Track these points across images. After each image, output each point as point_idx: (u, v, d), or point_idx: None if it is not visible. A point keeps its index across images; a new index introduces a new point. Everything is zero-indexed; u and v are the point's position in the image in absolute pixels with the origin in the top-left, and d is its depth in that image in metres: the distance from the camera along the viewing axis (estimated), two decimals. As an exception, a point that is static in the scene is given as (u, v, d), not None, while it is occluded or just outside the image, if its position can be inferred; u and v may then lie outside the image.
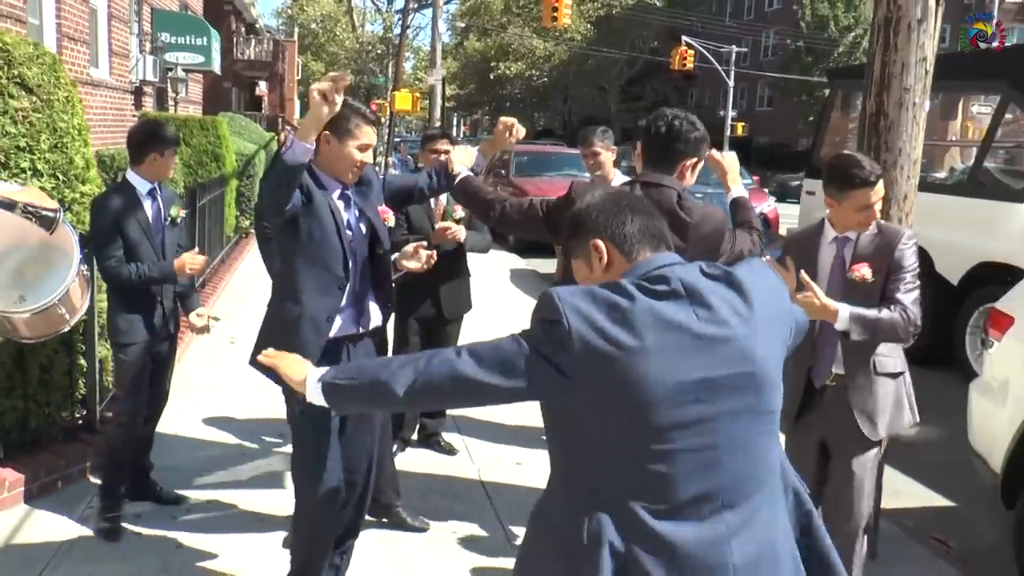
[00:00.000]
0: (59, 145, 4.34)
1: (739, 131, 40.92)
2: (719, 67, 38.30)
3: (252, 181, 12.38)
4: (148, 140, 3.87)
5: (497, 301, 8.98)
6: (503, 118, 3.44)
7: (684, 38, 36.27)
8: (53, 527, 3.89)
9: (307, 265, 3.00)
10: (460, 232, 4.50)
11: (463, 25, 55.38)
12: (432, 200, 4.72)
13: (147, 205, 3.87)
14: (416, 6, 38.62)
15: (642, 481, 1.63)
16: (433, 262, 3.53)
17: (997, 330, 4.14)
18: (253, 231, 12.51)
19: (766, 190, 18.97)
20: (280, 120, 34.29)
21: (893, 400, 3.12)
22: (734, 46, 40.48)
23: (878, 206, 3.06)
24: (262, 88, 38.39)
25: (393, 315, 4.43)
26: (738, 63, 41.20)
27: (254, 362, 3.17)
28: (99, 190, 4.53)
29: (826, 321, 3.01)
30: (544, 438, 1.92)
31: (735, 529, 1.65)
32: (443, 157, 3.97)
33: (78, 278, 3.33)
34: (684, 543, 1.61)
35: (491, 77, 52.86)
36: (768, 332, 1.74)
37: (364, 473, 3.32)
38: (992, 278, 6.79)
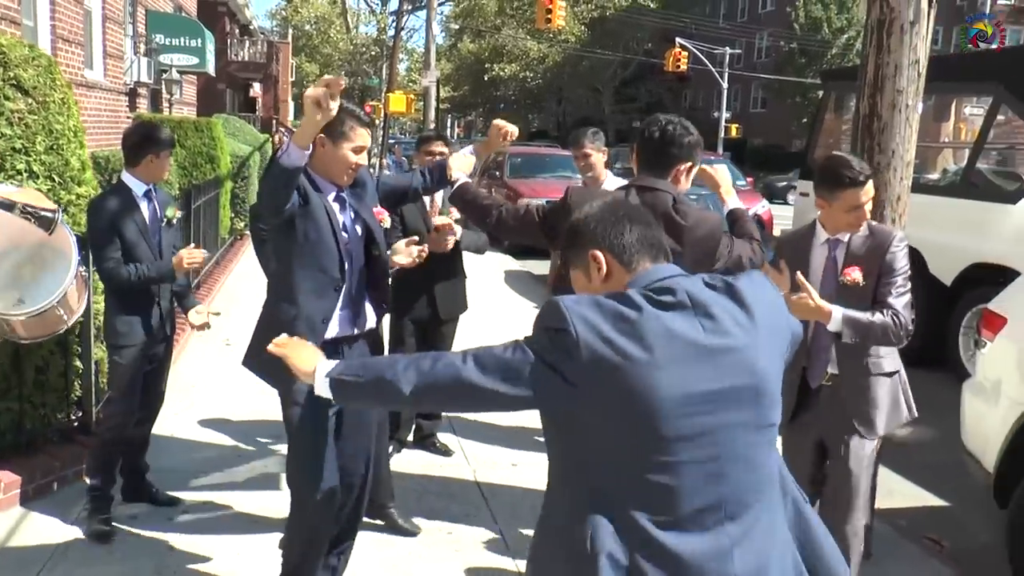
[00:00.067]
0: (55, 147, 4.34)
1: (733, 132, 41.01)
2: (713, 69, 38.36)
3: (247, 183, 12.37)
4: (144, 142, 3.88)
5: (492, 302, 8.99)
6: (497, 121, 3.45)
7: (678, 40, 36.31)
8: (49, 529, 3.89)
9: (303, 267, 3.01)
10: (456, 230, 4.52)
11: (457, 27, 55.41)
12: (427, 201, 4.74)
13: (143, 206, 3.88)
14: (410, 8, 38.60)
15: (645, 491, 1.63)
16: (424, 256, 3.54)
17: (990, 331, 4.16)
18: (248, 233, 12.51)
19: (758, 192, 19.00)
20: (274, 122, 34.21)
21: (889, 399, 3.14)
22: (728, 48, 40.54)
23: (868, 207, 3.08)
24: (256, 90, 38.37)
25: (389, 316, 4.44)
26: (732, 65, 41.26)
27: (247, 363, 3.18)
28: (95, 192, 4.53)
29: (820, 322, 3.03)
30: (540, 439, 1.92)
31: (737, 540, 1.65)
32: (438, 159, 3.99)
33: (76, 280, 3.33)
34: (688, 554, 1.61)
35: (485, 79, 52.86)
36: (769, 345, 1.75)
37: (361, 474, 3.33)
38: (985, 279, 6.82)
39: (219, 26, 30.38)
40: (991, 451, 3.94)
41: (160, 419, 4.36)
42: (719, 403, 1.65)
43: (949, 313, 7.32)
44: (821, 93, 11.44)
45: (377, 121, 35.12)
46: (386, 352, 3.72)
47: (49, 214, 3.02)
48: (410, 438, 5.07)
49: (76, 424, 4.56)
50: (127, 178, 3.88)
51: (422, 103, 29.91)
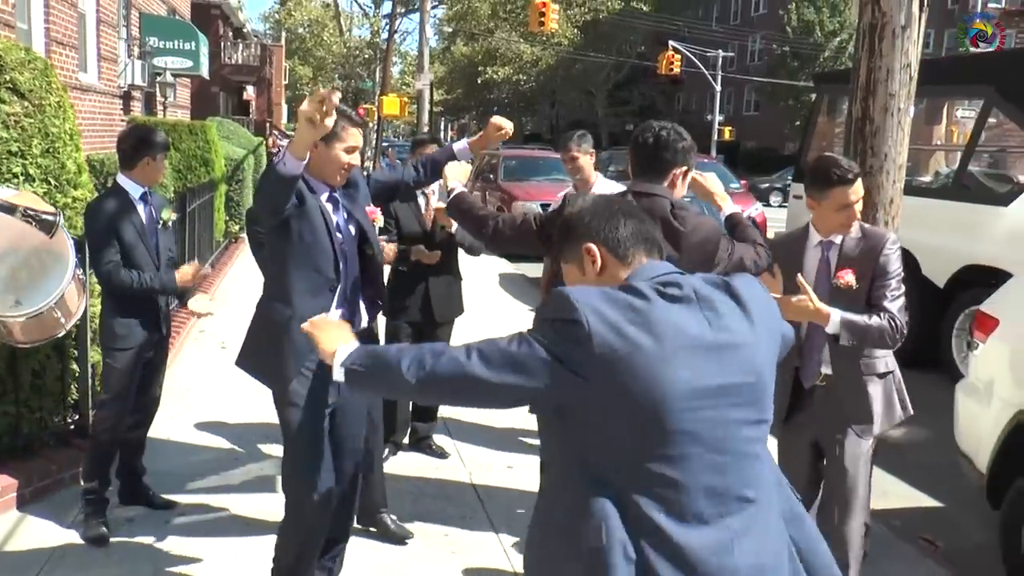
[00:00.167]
0: (51, 150, 4.35)
1: (726, 135, 41.09)
2: (706, 71, 38.47)
3: (241, 186, 12.38)
4: (140, 145, 3.88)
5: (487, 305, 9.00)
6: (495, 118, 3.45)
7: (671, 43, 36.44)
8: (46, 533, 3.89)
9: (298, 267, 3.01)
10: (453, 224, 4.54)
11: (450, 30, 55.41)
12: (422, 203, 4.76)
13: (140, 209, 3.89)
14: (403, 11, 38.67)
15: (651, 484, 1.63)
16: (391, 255, 3.51)
17: (982, 332, 4.19)
18: (243, 236, 12.51)
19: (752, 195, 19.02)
20: (268, 125, 34.21)
21: (883, 399, 3.16)
22: (721, 51, 40.68)
23: (858, 207, 3.11)
24: (250, 92, 38.33)
25: (385, 318, 4.46)
26: (725, 67, 41.37)
27: (241, 363, 3.19)
28: (91, 195, 4.54)
29: (813, 323, 3.05)
30: (536, 442, 1.92)
31: (737, 533, 1.66)
32: (430, 153, 3.98)
33: (73, 282, 3.33)
34: (694, 546, 1.62)
35: (479, 82, 52.90)
36: (766, 343, 1.78)
37: (353, 475, 3.34)
38: (977, 281, 6.85)
39: (212, 29, 30.37)
40: (984, 452, 3.97)
41: (156, 422, 4.36)
42: (723, 398, 1.66)
43: (942, 315, 7.35)
44: (814, 96, 11.48)
45: (371, 124, 35.14)
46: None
47: (50, 217, 3.03)
48: (406, 440, 5.08)
49: (73, 427, 4.57)
50: (123, 181, 3.89)
51: (416, 106, 29.97)
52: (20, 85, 4.24)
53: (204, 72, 18.09)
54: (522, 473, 4.74)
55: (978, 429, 4.08)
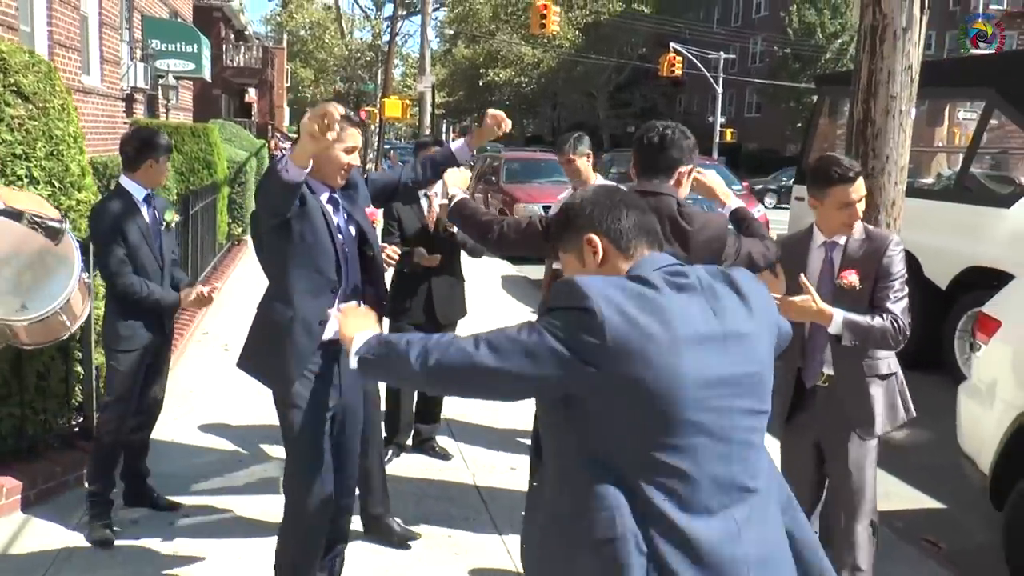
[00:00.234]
0: (55, 153, 4.37)
1: (728, 137, 41.09)
2: (707, 73, 38.47)
3: (244, 188, 12.39)
4: (144, 147, 3.90)
5: (490, 307, 9.01)
6: (491, 111, 3.39)
7: (672, 45, 36.41)
8: (50, 534, 3.90)
9: (299, 268, 3.01)
10: (435, 260, 4.57)
11: (452, 32, 55.42)
12: (424, 206, 4.77)
13: (144, 211, 3.90)
14: (405, 13, 38.67)
15: (659, 474, 1.62)
16: (394, 257, 3.49)
17: (984, 333, 4.20)
18: (245, 238, 12.53)
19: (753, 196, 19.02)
20: (270, 127, 34.25)
21: (886, 400, 3.16)
22: (722, 53, 40.65)
23: (861, 206, 3.12)
24: (251, 95, 38.42)
25: (387, 320, 4.46)
26: (726, 69, 41.35)
27: (243, 364, 3.19)
28: (95, 198, 4.55)
29: (816, 323, 3.06)
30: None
31: (742, 523, 1.66)
32: (430, 153, 3.98)
33: (79, 285, 3.34)
34: (703, 536, 1.61)
35: (480, 84, 52.93)
36: (767, 335, 1.79)
37: (352, 478, 3.35)
38: (979, 282, 6.86)
39: (214, 31, 30.43)
40: (987, 453, 3.97)
41: (159, 424, 4.37)
42: (728, 388, 1.66)
43: (944, 317, 7.36)
44: (815, 98, 11.49)
45: (373, 126, 35.16)
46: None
47: (56, 224, 3.04)
48: (409, 442, 5.09)
49: (77, 429, 4.58)
50: (126, 183, 3.90)
51: (417, 108, 29.98)
52: (24, 88, 4.26)
53: (206, 74, 18.11)
54: (525, 474, 4.73)
55: (981, 430, 4.08)
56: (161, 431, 4.60)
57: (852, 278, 3.08)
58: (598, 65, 47.36)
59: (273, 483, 4.52)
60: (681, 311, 1.65)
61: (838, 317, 2.96)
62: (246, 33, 40.35)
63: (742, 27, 49.73)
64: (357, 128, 3.05)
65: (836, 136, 9.32)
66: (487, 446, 5.25)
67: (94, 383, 4.54)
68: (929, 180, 8.82)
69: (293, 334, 3.01)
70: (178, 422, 5.32)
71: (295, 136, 2.99)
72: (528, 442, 5.19)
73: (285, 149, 2.92)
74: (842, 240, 3.16)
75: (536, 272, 11.78)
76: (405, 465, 4.88)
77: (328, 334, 3.06)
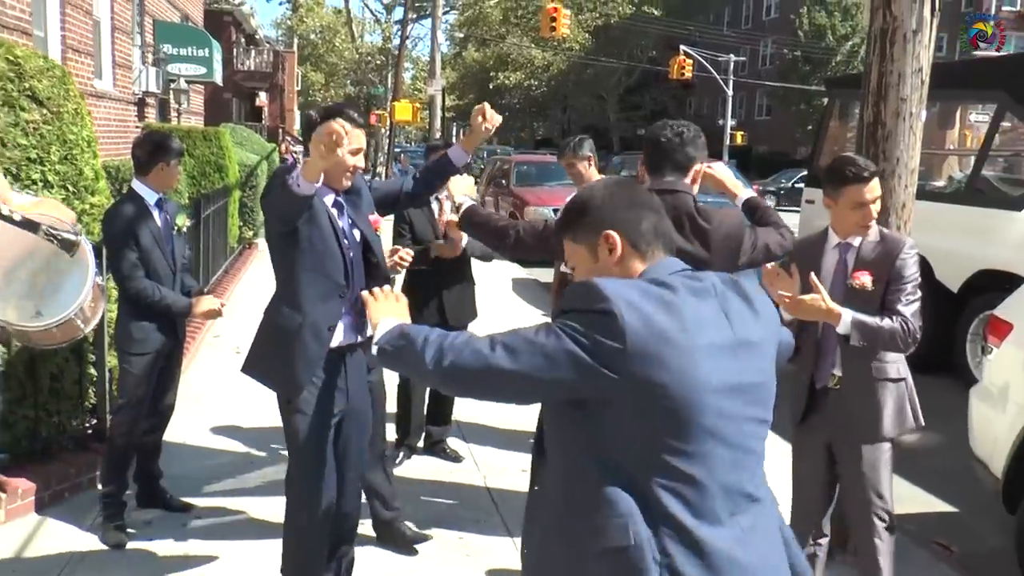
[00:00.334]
0: (69, 157, 4.40)
1: (738, 140, 41.02)
2: (717, 76, 38.41)
3: (255, 192, 12.44)
4: (155, 150, 3.93)
5: (500, 310, 9.03)
6: (477, 107, 3.30)
7: (682, 47, 36.39)
8: (64, 535, 3.93)
9: (307, 273, 3.00)
10: (463, 238, 4.56)
11: (462, 35, 55.47)
12: (435, 208, 4.79)
13: (156, 215, 3.93)
14: (415, 17, 38.75)
15: (673, 481, 1.60)
16: (406, 261, 3.48)
17: (996, 337, 4.19)
18: (256, 241, 12.59)
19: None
20: (281, 130, 34.37)
21: (893, 405, 3.15)
22: (732, 55, 40.58)
23: (876, 207, 3.11)
24: (262, 99, 38.55)
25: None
26: (736, 72, 41.31)
27: (248, 371, 3.19)
28: (108, 201, 4.58)
29: (829, 323, 3.06)
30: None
31: (747, 531, 1.65)
32: (434, 158, 3.97)
33: (93, 288, 3.37)
34: (716, 545, 1.59)
35: (490, 87, 52.92)
36: (772, 344, 1.78)
37: (357, 480, 3.35)
38: (991, 285, 6.83)
39: (225, 35, 30.57)
40: (999, 456, 3.96)
41: (172, 426, 4.40)
42: (740, 395, 1.65)
43: (956, 319, 7.33)
44: (826, 100, 11.47)
45: (383, 130, 35.23)
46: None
47: (71, 236, 3.06)
48: (420, 444, 5.11)
49: (90, 431, 4.61)
50: (138, 187, 3.93)
51: (427, 112, 30.04)
52: (39, 93, 4.29)
53: (217, 78, 18.20)
54: (535, 477, 4.75)
55: (993, 433, 4.07)
56: (174, 433, 4.63)
57: (864, 279, 3.08)
58: (608, 68, 47.35)
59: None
60: (699, 316, 1.63)
61: (847, 317, 2.96)
62: (257, 37, 40.52)
63: (752, 29, 49.65)
64: (361, 129, 3.05)
65: (846, 139, 9.30)
66: (498, 448, 5.26)
67: (107, 385, 4.57)
68: (941, 183, 8.80)
69: (302, 339, 3.00)
70: (190, 424, 5.35)
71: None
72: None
73: (296, 153, 2.93)
74: (856, 242, 3.16)
75: (546, 275, 11.79)
76: (416, 467, 4.89)
77: (336, 340, 3.07)
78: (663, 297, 1.63)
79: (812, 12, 42.22)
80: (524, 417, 5.45)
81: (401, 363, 1.89)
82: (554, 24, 23.11)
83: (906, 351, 3.09)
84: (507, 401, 1.81)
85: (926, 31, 3.91)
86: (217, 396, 6.01)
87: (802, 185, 12.84)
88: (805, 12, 42.38)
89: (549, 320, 1.74)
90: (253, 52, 36.52)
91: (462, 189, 3.34)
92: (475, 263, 4.98)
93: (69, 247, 3.08)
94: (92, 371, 4.52)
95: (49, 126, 4.32)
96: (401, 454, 4.95)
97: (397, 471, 4.69)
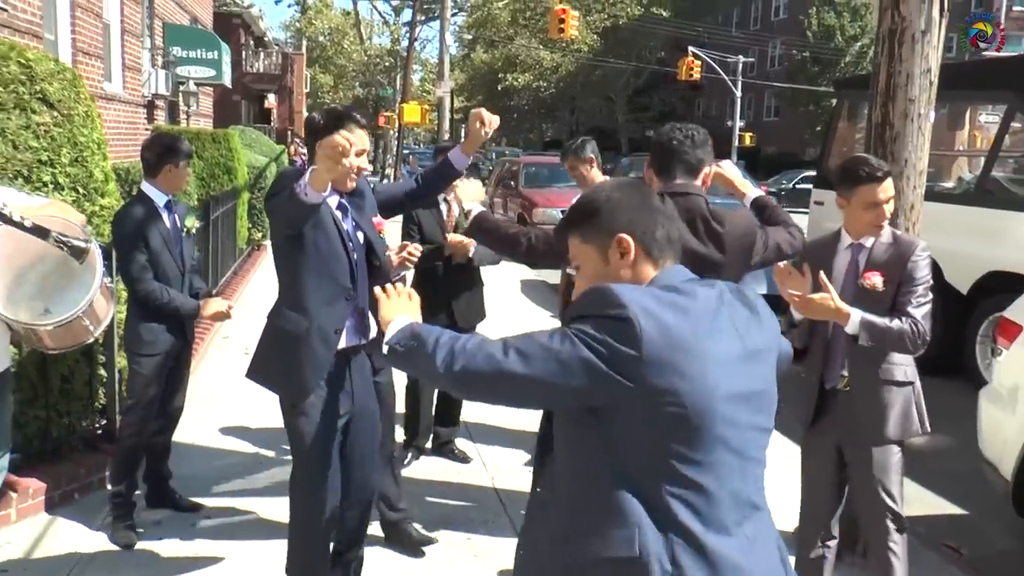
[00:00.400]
0: (79, 159, 4.43)
1: (747, 141, 40.96)
2: (726, 77, 38.35)
3: (263, 194, 12.45)
4: (164, 152, 3.95)
5: (509, 311, 9.03)
6: (474, 111, 3.29)
7: (691, 48, 36.34)
8: (74, 535, 3.95)
9: (313, 276, 2.99)
10: (471, 245, 4.57)
11: (470, 37, 55.57)
12: (444, 209, 4.80)
13: (165, 217, 3.95)
14: (423, 19, 38.85)
15: (683, 489, 1.59)
16: (413, 258, 3.46)
17: (1006, 338, 4.17)
18: (265, 243, 12.61)
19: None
20: (289, 132, 34.44)
21: (899, 408, 3.14)
22: (741, 56, 40.52)
23: (889, 208, 3.11)
24: (271, 101, 38.62)
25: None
26: (745, 73, 41.23)
27: (253, 376, 3.16)
28: (118, 203, 4.61)
29: (839, 324, 3.05)
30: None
31: (752, 540, 1.65)
32: (439, 160, 3.97)
33: (101, 290, 3.38)
34: (724, 554, 1.58)
35: (499, 88, 53.00)
36: (774, 354, 1.78)
37: (365, 484, 3.33)
38: (1001, 287, 6.81)
39: (234, 38, 30.65)
40: (1009, 458, 3.95)
41: (180, 427, 4.42)
42: (748, 404, 1.65)
43: (965, 321, 7.31)
44: (834, 101, 11.44)
45: (392, 132, 35.28)
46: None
47: (82, 243, 3.07)
48: (428, 445, 5.11)
49: (100, 432, 4.63)
50: (148, 188, 3.95)
51: (436, 113, 30.02)
52: (50, 95, 4.32)
53: (226, 81, 18.28)
54: (543, 478, 4.75)
55: (1002, 436, 4.06)
56: (183, 434, 4.64)
57: (875, 279, 3.07)
58: (616, 69, 47.34)
59: (293, 486, 4.55)
60: (712, 324, 1.63)
61: (855, 317, 2.96)
62: (265, 39, 40.61)
63: (761, 30, 49.58)
64: (365, 130, 3.04)
65: (855, 140, 9.28)
66: (506, 449, 5.26)
67: (117, 386, 4.59)
68: (950, 184, 8.77)
69: (310, 344, 2.99)
70: (199, 425, 5.37)
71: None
72: (546, 446, 5.20)
73: (304, 155, 2.95)
74: (868, 243, 3.16)
75: (554, 277, 11.79)
76: (424, 468, 4.90)
77: (343, 342, 3.07)
78: (677, 304, 1.62)
79: (821, 13, 42.15)
80: (532, 418, 5.44)
81: (411, 364, 1.84)
82: (562, 25, 23.11)
83: (915, 352, 3.08)
84: (519, 406, 1.78)
85: (935, 32, 3.90)
86: (226, 397, 6.04)
87: (805, 185, 12.79)
88: (814, 13, 42.32)
89: (558, 321, 1.73)
90: (262, 54, 36.60)
91: (470, 195, 3.31)
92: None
93: (79, 254, 3.09)
94: (102, 372, 4.55)
95: (60, 129, 4.34)
96: (409, 455, 4.96)
97: (405, 472, 4.70)
